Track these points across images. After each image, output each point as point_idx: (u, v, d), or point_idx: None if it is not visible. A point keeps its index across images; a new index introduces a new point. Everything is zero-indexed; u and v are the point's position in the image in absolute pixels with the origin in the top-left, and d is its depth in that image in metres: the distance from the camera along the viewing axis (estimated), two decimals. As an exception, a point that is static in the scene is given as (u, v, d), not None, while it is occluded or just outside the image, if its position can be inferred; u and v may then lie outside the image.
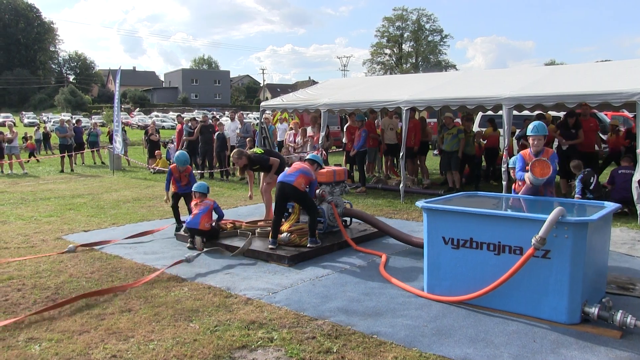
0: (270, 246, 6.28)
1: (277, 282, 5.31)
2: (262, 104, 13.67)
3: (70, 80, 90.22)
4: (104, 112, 54.30)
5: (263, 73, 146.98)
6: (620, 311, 3.93)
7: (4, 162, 16.47)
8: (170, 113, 60.37)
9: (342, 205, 7.35)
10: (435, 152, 18.27)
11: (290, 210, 7.06)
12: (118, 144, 16.05)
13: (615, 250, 6.24)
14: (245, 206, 10.00)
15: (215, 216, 6.98)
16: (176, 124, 19.28)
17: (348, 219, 7.55)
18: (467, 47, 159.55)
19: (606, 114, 16.58)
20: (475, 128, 13.83)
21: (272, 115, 16.93)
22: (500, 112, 10.04)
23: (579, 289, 4.03)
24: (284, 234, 6.42)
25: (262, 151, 7.97)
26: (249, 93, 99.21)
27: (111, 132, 25.60)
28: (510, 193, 6.58)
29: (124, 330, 4.11)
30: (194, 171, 14.43)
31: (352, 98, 11.63)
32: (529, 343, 3.79)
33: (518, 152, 6.43)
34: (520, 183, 6.20)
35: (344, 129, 13.41)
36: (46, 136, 26.13)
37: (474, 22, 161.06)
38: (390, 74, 67.20)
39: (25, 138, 22.62)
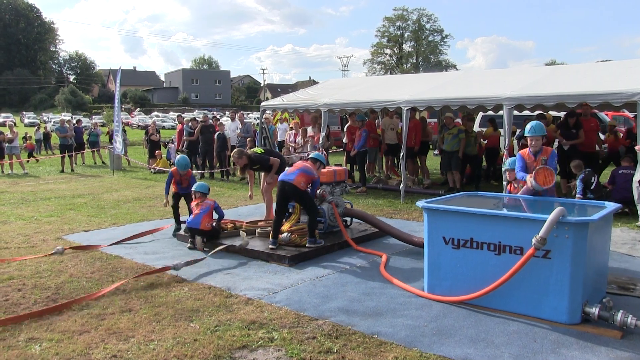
0: (270, 246, 6.27)
1: (277, 282, 5.31)
2: (263, 104, 13.67)
3: (71, 80, 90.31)
4: (105, 112, 54.31)
5: (263, 73, 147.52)
6: (621, 311, 3.92)
7: (5, 162, 16.48)
8: (171, 113, 60.39)
9: (343, 205, 7.35)
10: (436, 152, 18.28)
11: (290, 211, 7.06)
12: (118, 144, 16.05)
13: (615, 251, 6.24)
14: (245, 206, 10.00)
15: (215, 216, 6.98)
16: (176, 124, 19.30)
17: (348, 219, 7.55)
18: (468, 47, 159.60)
19: (607, 114, 16.57)
20: (476, 128, 13.81)
21: (272, 115, 16.93)
22: (500, 112, 10.04)
23: (580, 289, 4.02)
24: (285, 234, 6.42)
25: (263, 151, 7.97)
26: (249, 93, 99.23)
27: (111, 132, 25.69)
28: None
29: (124, 330, 4.11)
30: (194, 171, 14.53)
31: (352, 98, 11.62)
32: (530, 343, 3.79)
33: (518, 154, 6.42)
34: (520, 184, 6.20)
35: (345, 129, 13.40)
36: (46, 136, 26.15)
37: (474, 22, 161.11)
38: (391, 74, 67.20)
39: (25, 138, 22.63)
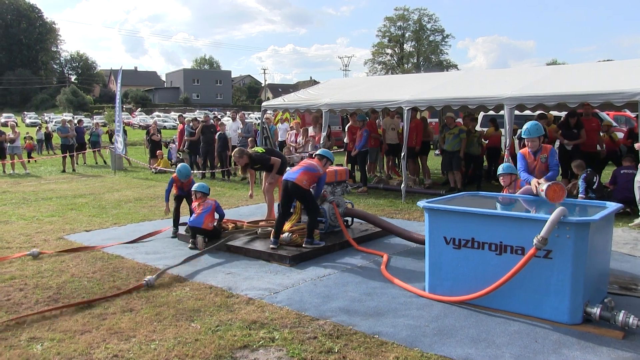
0: (271, 246, 6.27)
1: (278, 282, 5.31)
2: (264, 104, 13.67)
3: (72, 80, 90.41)
4: (106, 112, 54.36)
5: (264, 73, 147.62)
6: (623, 311, 3.92)
7: (6, 162, 16.50)
8: (172, 113, 60.48)
9: (344, 205, 7.35)
10: (437, 152, 18.27)
11: (291, 210, 7.07)
12: (119, 144, 16.06)
13: (617, 251, 6.23)
14: (246, 206, 10.01)
15: (216, 216, 6.99)
16: (178, 124, 19.31)
17: (349, 218, 7.55)
18: (469, 47, 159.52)
19: (608, 114, 16.55)
20: (477, 128, 13.82)
21: (273, 115, 16.94)
22: (501, 112, 10.04)
23: (581, 289, 4.02)
24: (286, 234, 6.42)
25: (264, 150, 7.97)
26: (250, 93, 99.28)
27: (110, 132, 25.74)
28: None
29: (125, 330, 4.11)
30: (195, 171, 14.54)
31: (353, 98, 11.62)
32: (531, 343, 3.78)
33: (519, 154, 6.43)
34: (517, 189, 6.21)
35: (346, 129, 13.40)
36: (48, 136, 26.18)
37: (475, 22, 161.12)
38: (392, 73, 67.21)
39: (25, 138, 22.66)
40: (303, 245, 6.31)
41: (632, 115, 15.52)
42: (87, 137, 20.26)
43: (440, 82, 11.69)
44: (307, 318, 4.34)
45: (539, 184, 5.65)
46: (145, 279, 5.21)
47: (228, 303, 4.70)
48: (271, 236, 6.41)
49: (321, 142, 11.67)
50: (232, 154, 7.94)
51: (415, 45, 78.35)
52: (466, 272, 4.50)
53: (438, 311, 4.43)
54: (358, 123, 11.95)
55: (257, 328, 4.13)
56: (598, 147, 10.59)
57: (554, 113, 12.82)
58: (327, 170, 6.78)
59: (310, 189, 6.51)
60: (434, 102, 10.28)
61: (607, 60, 18.73)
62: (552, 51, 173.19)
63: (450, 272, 4.62)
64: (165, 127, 44.30)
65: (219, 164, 14.51)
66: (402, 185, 10.40)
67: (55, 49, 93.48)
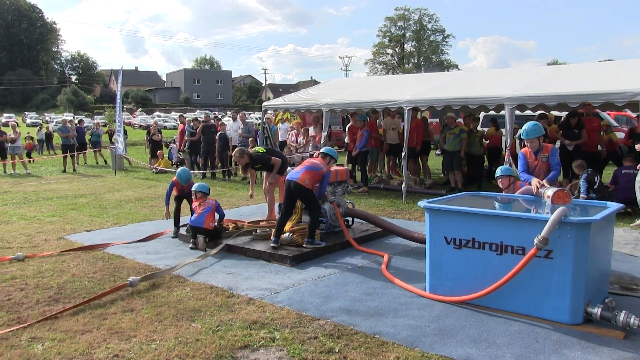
0: (272, 244, 6.28)
1: (279, 282, 5.31)
2: (264, 104, 13.67)
3: (73, 80, 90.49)
4: (106, 112, 54.39)
5: (265, 73, 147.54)
6: (624, 311, 3.91)
7: (7, 162, 16.51)
8: (173, 113, 60.48)
9: (344, 205, 7.35)
10: (438, 152, 18.26)
11: (292, 210, 7.07)
12: (120, 144, 16.07)
13: (618, 251, 6.22)
14: (247, 206, 10.01)
15: (216, 216, 6.99)
16: (178, 124, 19.32)
17: (350, 218, 7.54)
18: (469, 46, 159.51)
19: (609, 114, 16.55)
20: (478, 128, 13.82)
21: (274, 115, 16.95)
22: (502, 112, 10.03)
23: (582, 289, 4.02)
24: (286, 234, 6.42)
25: (264, 150, 7.97)
26: (251, 93, 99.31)
27: (110, 132, 25.76)
28: None
29: (126, 330, 4.11)
30: (195, 171, 14.54)
31: (354, 98, 11.62)
32: (532, 343, 3.78)
33: (520, 153, 6.43)
34: (516, 189, 6.21)
35: (346, 129, 13.41)
36: (49, 136, 26.20)
37: (476, 22, 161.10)
38: (392, 73, 67.20)
39: (25, 138, 22.69)
40: (304, 245, 6.31)
41: (633, 115, 15.52)
42: (87, 137, 20.27)
43: (440, 82, 11.69)
44: (308, 318, 4.33)
45: (540, 184, 5.65)
46: (129, 280, 5.12)
47: (229, 303, 4.70)
48: (272, 235, 6.41)
49: (322, 142, 11.67)
50: (233, 154, 7.94)
51: (415, 45, 78.37)
52: (467, 272, 4.50)
53: (439, 311, 4.43)
54: (359, 123, 11.95)
55: (258, 328, 4.13)
56: (599, 147, 10.58)
57: (555, 113, 12.81)
58: (330, 167, 6.76)
59: (314, 189, 6.51)
60: (435, 102, 10.28)
61: (608, 60, 18.72)
62: (552, 51, 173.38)
63: (450, 272, 4.61)
64: (165, 127, 44.33)
65: (219, 164, 14.51)
66: (403, 185, 10.40)
67: (56, 49, 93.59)
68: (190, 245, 6.73)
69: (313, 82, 64.55)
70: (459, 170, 11.22)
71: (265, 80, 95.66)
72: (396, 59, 78.66)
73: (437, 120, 17.71)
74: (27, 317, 4.41)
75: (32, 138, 23.27)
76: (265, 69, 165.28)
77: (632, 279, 5.21)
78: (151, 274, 5.43)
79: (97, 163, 20.01)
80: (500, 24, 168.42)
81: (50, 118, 52.61)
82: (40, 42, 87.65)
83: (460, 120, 12.82)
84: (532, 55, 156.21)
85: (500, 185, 6.63)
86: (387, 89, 12.14)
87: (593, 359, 3.54)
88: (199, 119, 17.03)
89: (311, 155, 11.57)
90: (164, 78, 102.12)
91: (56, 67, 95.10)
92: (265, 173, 8.24)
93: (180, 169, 7.63)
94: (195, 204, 6.95)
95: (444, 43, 77.26)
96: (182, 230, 7.35)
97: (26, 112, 62.76)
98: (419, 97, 10.30)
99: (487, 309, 4.39)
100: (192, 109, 64.52)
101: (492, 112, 13.42)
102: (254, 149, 8.42)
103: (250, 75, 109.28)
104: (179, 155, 17.79)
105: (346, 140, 13.46)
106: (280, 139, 14.93)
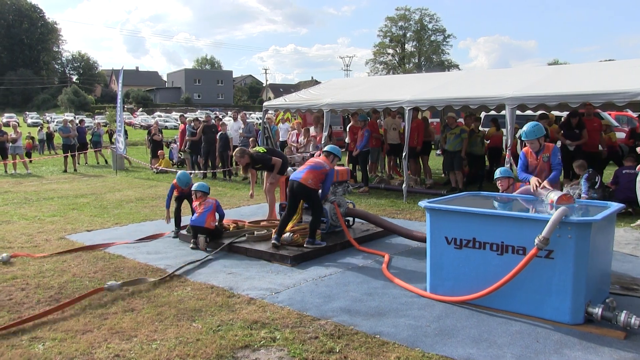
0: (273, 241, 6.29)
1: (279, 282, 5.31)
2: (265, 104, 13.68)
3: (74, 80, 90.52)
4: (107, 112, 54.44)
5: (266, 73, 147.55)
6: (624, 311, 3.91)
7: (8, 162, 16.52)
8: (173, 113, 60.49)
9: (345, 205, 7.35)
10: (438, 152, 18.26)
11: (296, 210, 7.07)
12: (121, 144, 16.09)
13: (619, 251, 6.22)
14: (247, 206, 10.01)
15: (217, 216, 6.99)
16: (179, 124, 19.32)
17: (351, 218, 7.55)
18: (470, 46, 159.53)
19: (610, 114, 16.54)
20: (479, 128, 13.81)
21: (274, 115, 16.96)
22: (503, 112, 10.02)
23: (583, 289, 4.01)
24: (287, 234, 6.42)
25: (265, 150, 7.97)
26: (251, 93, 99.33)
27: (110, 132, 25.79)
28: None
29: (126, 330, 4.12)
30: (196, 171, 14.54)
31: (354, 98, 11.62)
32: (532, 343, 3.78)
33: (521, 152, 6.43)
34: (516, 187, 6.21)
35: (347, 129, 13.40)
36: (49, 136, 26.24)
37: (476, 21, 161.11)
38: (393, 73, 67.19)
39: (26, 138, 22.73)
40: (304, 245, 6.31)
41: (634, 115, 15.50)
42: (88, 137, 20.28)
43: (441, 82, 11.68)
44: (309, 318, 4.34)
45: (539, 183, 5.66)
46: (107, 284, 4.98)
47: (229, 303, 4.70)
48: (274, 233, 6.43)
49: (322, 142, 11.67)
50: (234, 154, 7.94)
51: (416, 45, 78.36)
52: (467, 272, 4.50)
53: (439, 311, 4.43)
54: (359, 123, 11.96)
55: (259, 328, 4.13)
56: (600, 147, 10.57)
57: (556, 113, 12.80)
58: (334, 165, 6.74)
59: (318, 189, 6.50)
60: (436, 102, 10.27)
61: (609, 60, 18.71)
62: (553, 51, 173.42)
63: (451, 272, 4.61)
64: (166, 127, 44.36)
65: (220, 164, 14.52)
66: (404, 185, 10.40)
67: (56, 49, 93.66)
68: (191, 245, 6.72)
69: (314, 82, 64.54)
70: (460, 170, 11.22)
71: (266, 80, 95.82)
72: (397, 59, 78.67)
73: (438, 120, 17.73)
74: (26, 317, 4.41)
75: (32, 138, 23.31)
76: (266, 69, 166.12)
77: (632, 279, 5.20)
78: (132, 280, 5.27)
79: (97, 163, 20.02)
80: (501, 23, 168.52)
81: (51, 118, 52.67)
82: (41, 42, 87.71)
83: (461, 120, 12.82)
84: (532, 55, 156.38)
85: (500, 187, 6.63)
86: (387, 89, 12.13)
87: (594, 359, 3.54)
88: (199, 119, 17.03)
89: (312, 155, 11.59)
90: (165, 78, 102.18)
91: (57, 67, 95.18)
92: (266, 173, 8.25)
93: (179, 172, 7.60)
94: (195, 203, 6.95)
95: (444, 43, 77.36)
96: (183, 231, 7.34)
97: (27, 112, 62.83)
98: (420, 97, 10.30)
99: (487, 309, 4.39)
100: (192, 109, 64.58)
101: (492, 112, 13.41)
102: (254, 149, 8.42)
103: (251, 75, 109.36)
104: (179, 155, 17.81)
105: (347, 140, 13.46)
106: (281, 139, 14.94)
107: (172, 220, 7.44)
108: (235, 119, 15.50)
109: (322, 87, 14.20)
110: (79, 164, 18.40)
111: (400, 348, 3.74)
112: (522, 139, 6.08)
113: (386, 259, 5.96)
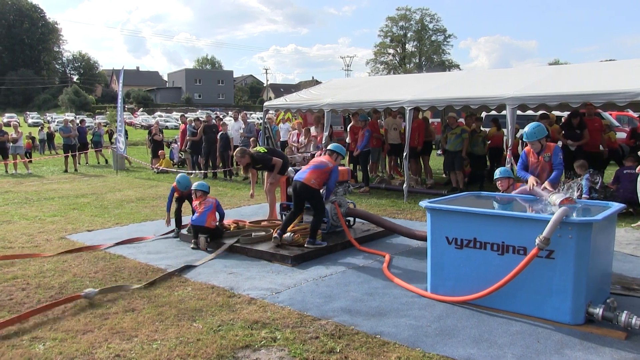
0: (274, 235, 6.32)
1: (280, 282, 5.31)
2: (266, 104, 13.68)
3: (74, 80, 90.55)
4: (108, 112, 54.48)
5: (266, 73, 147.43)
6: (625, 312, 3.91)
7: (9, 162, 16.53)
8: (174, 113, 60.51)
9: (346, 205, 7.34)
10: (439, 152, 18.25)
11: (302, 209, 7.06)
12: (121, 144, 16.09)
13: (619, 251, 6.21)
14: (248, 206, 10.01)
15: (217, 216, 6.99)
16: (180, 124, 19.33)
17: (351, 218, 7.55)
18: (471, 46, 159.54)
19: (611, 114, 16.53)
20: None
21: (275, 115, 16.96)
22: (503, 112, 10.02)
23: (583, 289, 4.01)
24: (288, 234, 6.42)
25: (266, 150, 7.97)
26: (252, 93, 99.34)
27: (110, 132, 25.79)
28: None
29: (127, 330, 4.12)
30: (196, 171, 14.54)
31: (355, 98, 11.62)
32: (533, 343, 3.77)
33: (522, 152, 6.43)
34: (516, 187, 6.21)
35: (348, 129, 13.41)
36: (50, 136, 26.25)
37: (477, 21, 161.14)
38: (394, 73, 67.16)
39: (26, 137, 22.75)
40: (305, 245, 6.31)
41: (635, 115, 15.50)
42: (89, 137, 20.29)
43: (442, 82, 11.68)
44: (309, 318, 4.33)
45: (536, 182, 5.67)
46: (84, 291, 4.79)
47: (230, 303, 4.70)
48: (274, 232, 6.44)
49: (323, 142, 11.67)
50: (234, 154, 7.94)
51: (417, 45, 78.34)
52: (468, 272, 4.50)
53: (440, 311, 4.43)
54: (360, 123, 11.96)
55: (259, 328, 4.13)
56: (601, 147, 10.55)
57: (556, 113, 12.79)
58: (338, 163, 6.73)
59: (321, 189, 6.50)
60: (436, 102, 10.27)
61: (610, 60, 18.70)
62: (554, 51, 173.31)
63: (452, 272, 4.61)
64: (167, 127, 44.39)
65: (220, 164, 14.53)
66: (404, 185, 10.39)
67: (57, 49, 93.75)
68: (192, 245, 6.73)
69: (314, 82, 64.51)
70: (461, 170, 11.21)
71: (267, 80, 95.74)
72: (397, 59, 78.64)
73: (439, 120, 17.71)
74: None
75: (32, 138, 23.33)
76: (266, 69, 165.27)
77: (633, 279, 5.20)
78: (110, 287, 5.07)
79: (98, 163, 20.04)
80: (502, 24, 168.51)
81: (51, 118, 52.72)
82: (42, 42, 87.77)
83: (462, 120, 12.81)
84: (533, 55, 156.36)
85: (500, 187, 6.63)
86: (388, 89, 12.13)
87: (595, 359, 3.54)
88: (200, 118, 17.03)
89: (313, 155, 11.60)
90: (166, 78, 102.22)
91: (58, 67, 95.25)
92: (266, 173, 8.25)
93: (179, 176, 7.58)
94: (195, 202, 6.95)
95: (445, 43, 77.33)
96: (184, 230, 7.35)
97: (28, 112, 62.89)
98: (421, 97, 10.30)
99: (488, 309, 4.39)
100: (193, 109, 64.62)
101: (493, 112, 13.40)
102: (255, 149, 8.42)
103: (251, 75, 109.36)
104: (180, 155, 17.81)
105: (348, 140, 13.46)
106: (281, 139, 14.94)
107: (173, 221, 7.45)
108: (236, 119, 15.50)
109: (322, 87, 14.19)
110: (79, 164, 18.41)
111: (401, 348, 3.74)
112: (524, 139, 6.07)
113: (387, 259, 5.96)
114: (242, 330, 4.07)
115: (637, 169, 7.77)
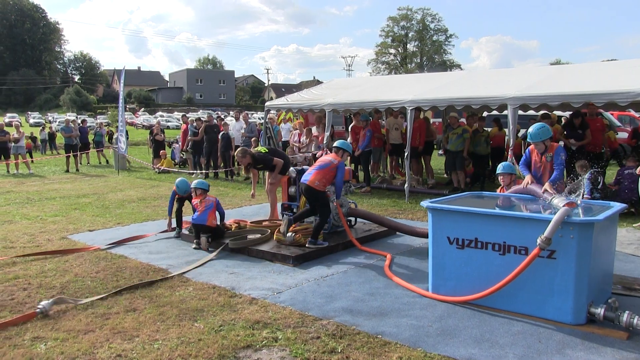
0: (281, 228, 6.44)
1: (281, 282, 5.31)
2: (267, 103, 13.69)
3: (76, 80, 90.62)
4: (109, 112, 54.55)
5: (268, 73, 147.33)
6: (627, 312, 3.90)
7: (10, 162, 16.56)
8: (175, 113, 60.58)
9: (347, 205, 7.35)
10: (440, 152, 18.24)
11: (294, 210, 7.07)
12: (122, 144, 16.11)
13: (621, 251, 6.21)
14: (249, 206, 10.01)
15: (218, 216, 7.00)
16: (181, 124, 19.34)
17: (353, 218, 7.54)
18: (472, 46, 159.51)
19: (612, 114, 16.50)
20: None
21: (276, 115, 16.96)
22: (505, 112, 10.01)
23: (585, 289, 4.01)
24: (289, 234, 6.42)
25: (267, 150, 7.97)
26: (253, 93, 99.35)
27: (110, 132, 25.81)
28: None
29: (129, 330, 4.12)
30: (198, 171, 14.54)
31: (356, 98, 11.62)
32: (534, 343, 3.77)
33: (524, 152, 6.43)
34: (517, 183, 6.22)
35: (349, 129, 13.40)
36: (52, 136, 26.28)
37: (478, 21, 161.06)
38: (395, 73, 67.15)
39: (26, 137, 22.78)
40: (306, 246, 6.31)
41: (637, 115, 15.48)
42: (90, 137, 20.31)
43: (443, 82, 11.67)
44: (310, 318, 4.33)
45: (531, 180, 5.71)
46: (40, 306, 4.44)
47: (231, 303, 4.71)
48: (275, 232, 6.47)
49: (324, 142, 11.68)
50: (235, 154, 7.95)
51: (418, 45, 78.28)
52: (469, 272, 4.49)
53: (441, 311, 4.42)
54: (361, 123, 11.96)
55: (260, 328, 4.13)
56: (602, 148, 10.53)
57: (558, 113, 12.78)
58: (344, 160, 6.72)
59: (327, 190, 6.50)
60: (438, 102, 10.27)
61: (611, 60, 18.68)
62: (555, 51, 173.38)
63: (453, 272, 4.61)
64: (168, 127, 44.40)
65: (222, 164, 14.53)
66: (406, 185, 10.39)
67: (59, 49, 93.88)
68: (194, 245, 6.73)
69: (316, 82, 64.51)
70: (462, 170, 11.21)
71: (268, 80, 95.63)
72: (399, 59, 78.60)
73: (440, 120, 17.70)
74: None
75: (33, 138, 23.36)
76: (267, 69, 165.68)
77: (635, 279, 5.19)
78: (62, 298, 4.75)
79: (99, 163, 20.06)
80: (503, 23, 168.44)
81: (53, 118, 52.82)
82: (43, 42, 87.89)
83: (463, 120, 12.80)
84: (534, 55, 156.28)
85: (501, 182, 6.62)
86: (389, 89, 12.13)
87: (596, 359, 3.54)
88: (201, 118, 17.04)
89: (314, 155, 11.60)
90: (167, 78, 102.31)
91: (59, 67, 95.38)
92: (267, 173, 8.25)
93: (178, 180, 7.57)
94: (195, 201, 6.95)
95: (446, 43, 77.27)
96: (185, 230, 7.35)
97: (29, 112, 63.01)
98: (422, 97, 10.29)
99: (489, 309, 4.39)
100: (194, 109, 64.66)
101: (494, 112, 13.39)
102: (256, 149, 8.42)
103: (252, 75, 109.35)
104: (181, 155, 17.82)
105: (349, 140, 13.46)
106: (282, 139, 14.94)
107: (174, 222, 7.46)
108: (237, 119, 15.52)
109: (324, 87, 14.20)
110: (81, 164, 18.43)
111: (402, 348, 3.74)
112: (528, 140, 6.06)
113: (388, 259, 5.96)
114: (243, 330, 4.07)
115: (638, 169, 7.76)
